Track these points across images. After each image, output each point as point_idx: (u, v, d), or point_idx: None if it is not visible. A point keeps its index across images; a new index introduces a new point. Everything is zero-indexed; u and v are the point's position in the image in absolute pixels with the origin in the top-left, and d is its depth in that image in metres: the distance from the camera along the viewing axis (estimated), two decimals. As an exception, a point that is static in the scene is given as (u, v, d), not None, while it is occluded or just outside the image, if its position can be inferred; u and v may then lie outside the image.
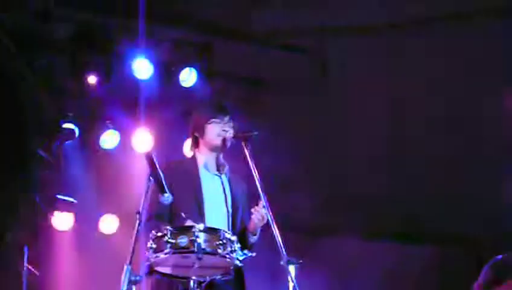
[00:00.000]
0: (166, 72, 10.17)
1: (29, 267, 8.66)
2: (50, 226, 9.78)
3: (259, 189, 5.14)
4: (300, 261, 4.85)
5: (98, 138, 9.89)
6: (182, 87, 10.18)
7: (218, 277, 4.93)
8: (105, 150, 9.91)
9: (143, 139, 9.79)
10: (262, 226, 5.33)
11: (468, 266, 10.60)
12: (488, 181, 10.60)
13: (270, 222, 5.05)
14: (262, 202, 5.16)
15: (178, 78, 10.12)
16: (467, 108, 10.90)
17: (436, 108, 11.11)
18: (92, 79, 9.64)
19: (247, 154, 5.26)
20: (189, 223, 5.00)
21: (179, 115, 9.69)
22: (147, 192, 4.93)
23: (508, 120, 10.42)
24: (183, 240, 4.68)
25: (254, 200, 5.33)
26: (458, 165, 11.03)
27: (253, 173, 5.18)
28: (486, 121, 10.62)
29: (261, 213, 5.23)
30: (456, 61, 10.85)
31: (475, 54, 10.65)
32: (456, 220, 11.21)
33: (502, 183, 10.42)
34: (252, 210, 5.28)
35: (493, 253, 6.67)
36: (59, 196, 9.73)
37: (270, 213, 5.07)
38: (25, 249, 8.41)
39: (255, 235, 5.35)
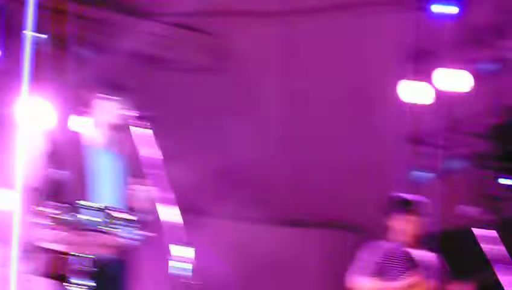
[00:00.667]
0: (64, 44, 10.03)
1: None
2: None
3: (147, 169, 5.12)
4: (188, 241, 4.86)
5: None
6: (80, 60, 10.05)
7: (109, 255, 4.92)
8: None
9: (35, 112, 9.62)
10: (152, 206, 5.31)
11: (350, 247, 10.87)
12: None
13: (159, 202, 5.03)
14: (146, 182, 5.14)
15: (76, 52, 10.00)
16: (366, 98, 11.13)
17: (335, 96, 11.30)
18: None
19: (139, 133, 5.23)
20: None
21: (74, 89, 9.57)
22: (38, 167, 4.87)
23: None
24: (74, 217, 4.65)
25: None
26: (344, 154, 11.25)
27: (143, 153, 5.16)
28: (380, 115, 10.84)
29: (141, 193, 5.23)
30: (356, 50, 11.06)
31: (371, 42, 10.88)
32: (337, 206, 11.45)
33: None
34: (133, 190, 5.28)
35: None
36: None
37: (160, 193, 5.05)
38: None
39: (144, 213, 5.34)
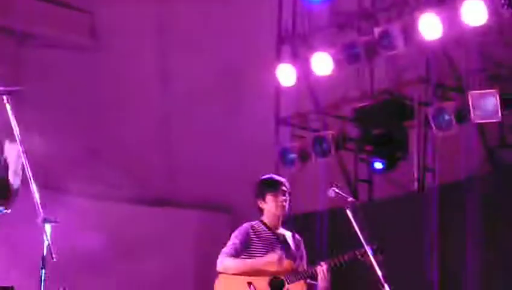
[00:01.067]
0: None
1: None
2: None
3: (19, 146, 5.02)
4: (58, 220, 4.80)
5: None
6: None
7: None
8: None
9: None
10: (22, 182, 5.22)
11: (222, 228, 10.96)
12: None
13: (28, 178, 4.95)
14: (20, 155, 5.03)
15: None
16: (239, 78, 11.20)
17: (207, 75, 11.32)
18: None
19: (8, 109, 5.12)
20: None
21: None
22: None
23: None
24: None
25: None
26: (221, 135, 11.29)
27: (14, 129, 5.06)
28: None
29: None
30: (231, 31, 11.11)
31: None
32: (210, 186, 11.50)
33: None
34: None
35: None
36: None
37: (29, 170, 4.97)
38: None
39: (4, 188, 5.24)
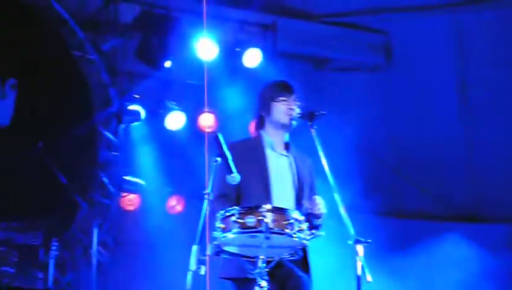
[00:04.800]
0: (231, 52, 10.18)
1: (99, 247, 8.76)
2: (118, 207, 9.88)
3: (326, 169, 5.10)
4: (369, 240, 4.82)
5: (163, 119, 9.98)
6: (247, 67, 10.18)
7: (286, 256, 4.91)
8: (170, 130, 10.00)
9: (209, 120, 9.86)
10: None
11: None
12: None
13: (338, 202, 5.02)
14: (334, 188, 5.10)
15: (243, 59, 10.14)
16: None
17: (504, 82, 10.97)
18: (167, 63, 9.66)
19: (313, 133, 5.23)
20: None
21: (244, 95, 9.70)
22: (214, 172, 4.93)
23: None
24: (251, 220, 4.64)
25: (320, 176, 5.31)
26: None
27: (319, 153, 5.15)
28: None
29: (317, 203, 5.23)
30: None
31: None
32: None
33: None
34: (310, 204, 5.28)
35: None
36: (126, 177, 9.82)
37: (338, 194, 5.04)
38: (95, 230, 8.46)
39: (318, 218, 5.32)
